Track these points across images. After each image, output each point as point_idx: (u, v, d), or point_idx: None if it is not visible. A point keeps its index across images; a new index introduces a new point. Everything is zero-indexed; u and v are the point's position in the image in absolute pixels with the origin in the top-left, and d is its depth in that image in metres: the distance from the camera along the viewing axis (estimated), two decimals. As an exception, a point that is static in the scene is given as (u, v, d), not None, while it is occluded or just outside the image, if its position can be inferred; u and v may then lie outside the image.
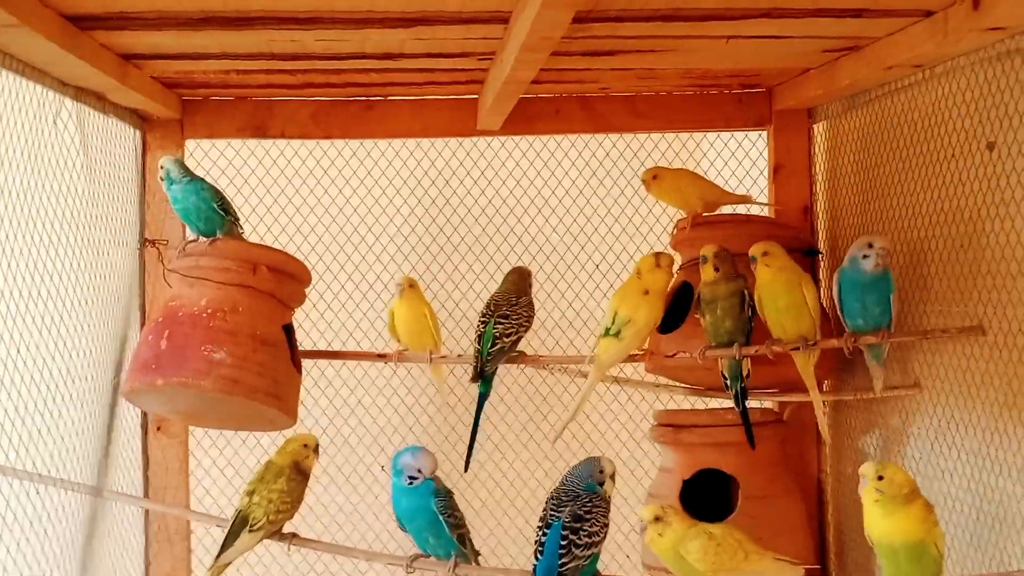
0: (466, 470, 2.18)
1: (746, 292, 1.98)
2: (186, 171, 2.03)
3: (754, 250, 1.98)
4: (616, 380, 2.22)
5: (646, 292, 2.00)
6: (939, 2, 1.62)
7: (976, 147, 1.75)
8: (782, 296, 1.95)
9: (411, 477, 1.87)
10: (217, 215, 2.02)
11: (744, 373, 2.01)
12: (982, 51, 1.71)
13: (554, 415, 2.74)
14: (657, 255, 2.03)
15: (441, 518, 1.85)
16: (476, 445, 2.16)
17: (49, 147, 1.89)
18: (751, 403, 2.16)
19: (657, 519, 1.72)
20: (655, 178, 2.28)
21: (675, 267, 2.10)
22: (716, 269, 1.98)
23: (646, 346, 2.11)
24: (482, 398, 2.15)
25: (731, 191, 2.42)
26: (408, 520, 1.90)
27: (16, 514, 1.72)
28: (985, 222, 1.73)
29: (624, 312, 2.00)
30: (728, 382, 2.02)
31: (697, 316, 2.03)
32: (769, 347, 1.96)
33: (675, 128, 2.48)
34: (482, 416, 2.15)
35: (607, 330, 2.02)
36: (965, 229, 1.79)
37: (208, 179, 2.10)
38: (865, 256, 1.88)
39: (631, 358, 2.08)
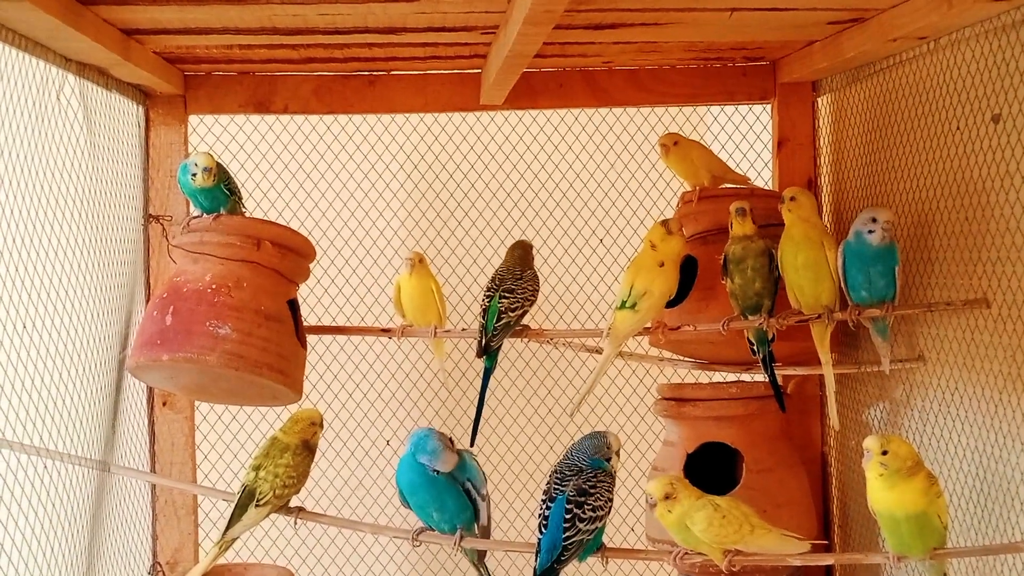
0: (471, 444, 2.18)
1: (773, 252, 1.98)
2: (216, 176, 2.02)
3: (787, 192, 1.98)
4: (620, 354, 2.22)
5: (661, 264, 1.99)
6: (944, -27, 1.61)
7: (981, 119, 1.74)
8: (802, 251, 1.94)
9: (435, 470, 1.87)
10: (223, 194, 2.02)
11: (769, 337, 2.01)
12: (987, 22, 1.70)
13: (558, 389, 2.75)
14: (664, 222, 2.02)
15: (470, 485, 1.88)
16: (480, 419, 2.16)
17: (52, 123, 1.88)
18: (758, 377, 2.16)
19: (667, 497, 1.72)
20: (676, 144, 2.27)
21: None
22: (746, 213, 1.98)
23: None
24: (487, 373, 2.15)
25: (735, 168, 2.41)
26: (411, 494, 1.90)
27: (24, 488, 1.73)
28: (990, 195, 1.73)
29: (640, 284, 1.99)
30: (755, 348, 2.02)
31: (723, 282, 2.01)
32: (789, 317, 1.95)
33: (679, 102, 2.47)
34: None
35: (623, 303, 2.01)
36: (970, 202, 1.79)
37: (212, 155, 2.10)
38: (870, 231, 1.88)
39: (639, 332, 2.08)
